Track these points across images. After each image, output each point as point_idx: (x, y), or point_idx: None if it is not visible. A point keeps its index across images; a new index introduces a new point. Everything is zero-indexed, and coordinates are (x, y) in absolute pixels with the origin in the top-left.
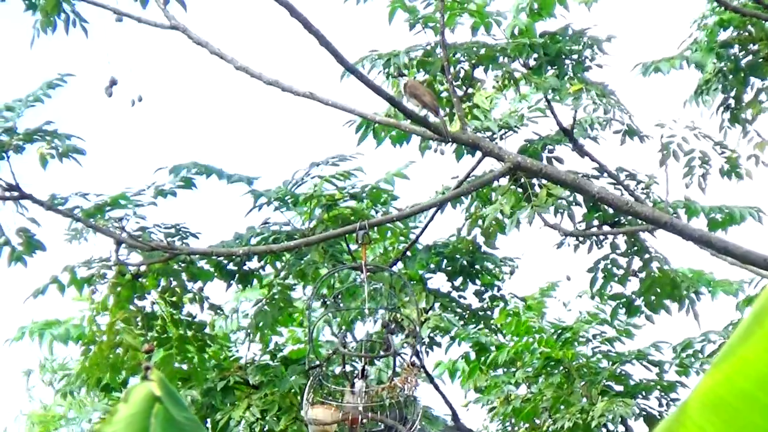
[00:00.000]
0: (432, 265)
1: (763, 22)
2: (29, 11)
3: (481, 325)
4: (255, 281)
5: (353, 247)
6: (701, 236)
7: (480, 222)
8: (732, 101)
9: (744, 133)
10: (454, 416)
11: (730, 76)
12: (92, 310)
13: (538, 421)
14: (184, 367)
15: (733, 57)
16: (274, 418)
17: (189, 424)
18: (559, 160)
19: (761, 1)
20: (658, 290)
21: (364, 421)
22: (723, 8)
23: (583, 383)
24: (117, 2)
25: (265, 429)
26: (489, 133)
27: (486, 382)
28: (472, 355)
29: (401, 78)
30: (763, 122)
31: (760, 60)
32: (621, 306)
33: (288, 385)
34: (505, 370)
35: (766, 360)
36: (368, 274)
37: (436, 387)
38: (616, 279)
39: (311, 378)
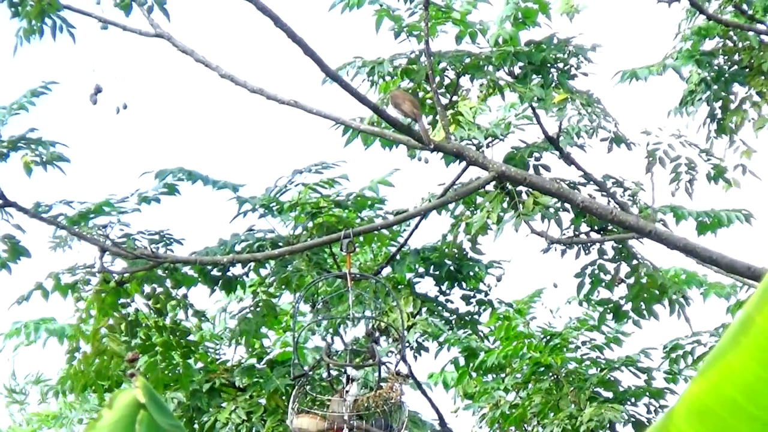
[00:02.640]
0: (420, 269)
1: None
2: (15, 19)
3: (469, 330)
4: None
5: (338, 252)
6: (686, 245)
7: (463, 226)
8: (719, 111)
9: (730, 142)
10: (441, 421)
11: (714, 86)
12: (77, 317)
13: (527, 427)
14: (169, 373)
15: (717, 67)
16: (260, 420)
17: (173, 430)
18: (546, 168)
19: (743, 11)
20: (646, 296)
21: (349, 430)
22: (708, 19)
23: (572, 389)
24: (102, 11)
25: (251, 431)
26: (476, 142)
27: (476, 388)
28: (461, 361)
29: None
30: (748, 131)
31: (744, 68)
32: (608, 311)
33: (273, 387)
34: (494, 376)
35: (752, 369)
36: (353, 282)
37: (424, 392)
38: (604, 284)
39: (296, 387)
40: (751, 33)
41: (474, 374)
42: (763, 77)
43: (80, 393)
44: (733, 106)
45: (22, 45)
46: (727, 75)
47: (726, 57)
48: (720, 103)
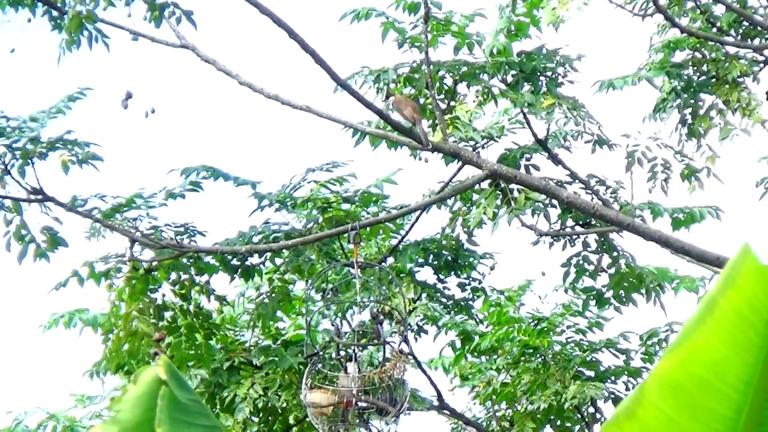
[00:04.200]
0: (420, 260)
1: (712, 43)
2: (55, 31)
3: (465, 315)
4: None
5: (345, 244)
6: (660, 237)
7: (461, 220)
8: (689, 117)
9: (698, 146)
10: (440, 397)
11: (684, 95)
12: (110, 302)
13: (517, 406)
14: (193, 352)
15: (686, 77)
16: (276, 395)
17: (192, 405)
18: (536, 168)
19: (714, 24)
20: (626, 284)
21: (358, 403)
22: (681, 32)
23: (557, 369)
24: (132, 23)
25: (268, 405)
26: (473, 143)
27: (470, 370)
28: (458, 343)
29: (389, 98)
30: (714, 136)
31: (711, 79)
32: (592, 298)
33: (288, 364)
34: (487, 357)
35: (718, 347)
36: (360, 269)
37: (424, 371)
38: (587, 274)
39: (309, 365)
40: (717, 44)
41: (469, 356)
42: (728, 86)
43: (115, 372)
44: (701, 112)
45: (65, 55)
46: (695, 84)
47: (695, 68)
48: (689, 110)
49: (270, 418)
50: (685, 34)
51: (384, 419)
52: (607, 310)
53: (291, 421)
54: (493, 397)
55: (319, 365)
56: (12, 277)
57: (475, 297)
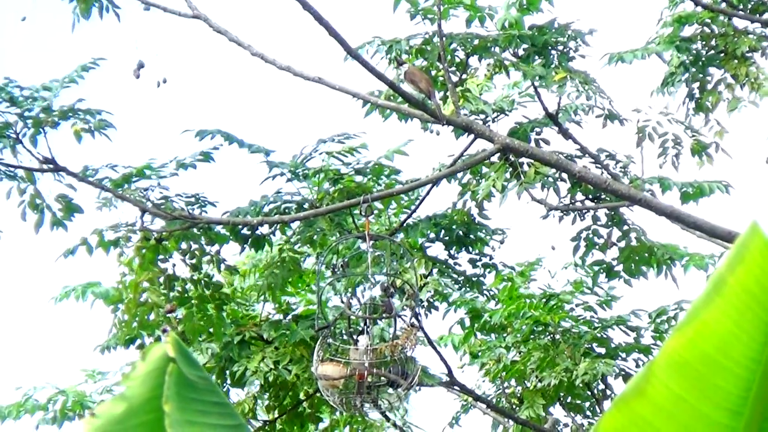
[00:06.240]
0: (431, 234)
1: (723, 19)
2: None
3: (476, 292)
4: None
5: (357, 217)
6: (672, 212)
7: (470, 193)
8: (697, 91)
9: (706, 121)
10: (449, 373)
11: (693, 69)
12: (120, 272)
13: (527, 383)
14: (204, 324)
15: (695, 51)
16: (286, 369)
17: (200, 381)
18: (546, 142)
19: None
20: (637, 258)
21: (369, 376)
22: (695, 4)
23: (567, 346)
24: None
25: (278, 379)
26: (483, 116)
27: (480, 347)
28: (467, 321)
29: (401, 66)
30: (722, 111)
31: (720, 53)
32: (601, 271)
33: (299, 338)
34: (497, 335)
35: (726, 325)
36: (371, 242)
37: (433, 346)
38: (597, 247)
39: (320, 338)
40: (726, 19)
41: (479, 333)
42: (736, 61)
43: (126, 345)
44: (709, 87)
45: (79, 22)
46: (704, 59)
47: (704, 42)
48: (698, 84)
49: (280, 392)
50: (698, 8)
51: (395, 392)
52: (617, 287)
53: (301, 395)
54: (503, 374)
55: (330, 339)
56: (24, 250)
57: (486, 273)
